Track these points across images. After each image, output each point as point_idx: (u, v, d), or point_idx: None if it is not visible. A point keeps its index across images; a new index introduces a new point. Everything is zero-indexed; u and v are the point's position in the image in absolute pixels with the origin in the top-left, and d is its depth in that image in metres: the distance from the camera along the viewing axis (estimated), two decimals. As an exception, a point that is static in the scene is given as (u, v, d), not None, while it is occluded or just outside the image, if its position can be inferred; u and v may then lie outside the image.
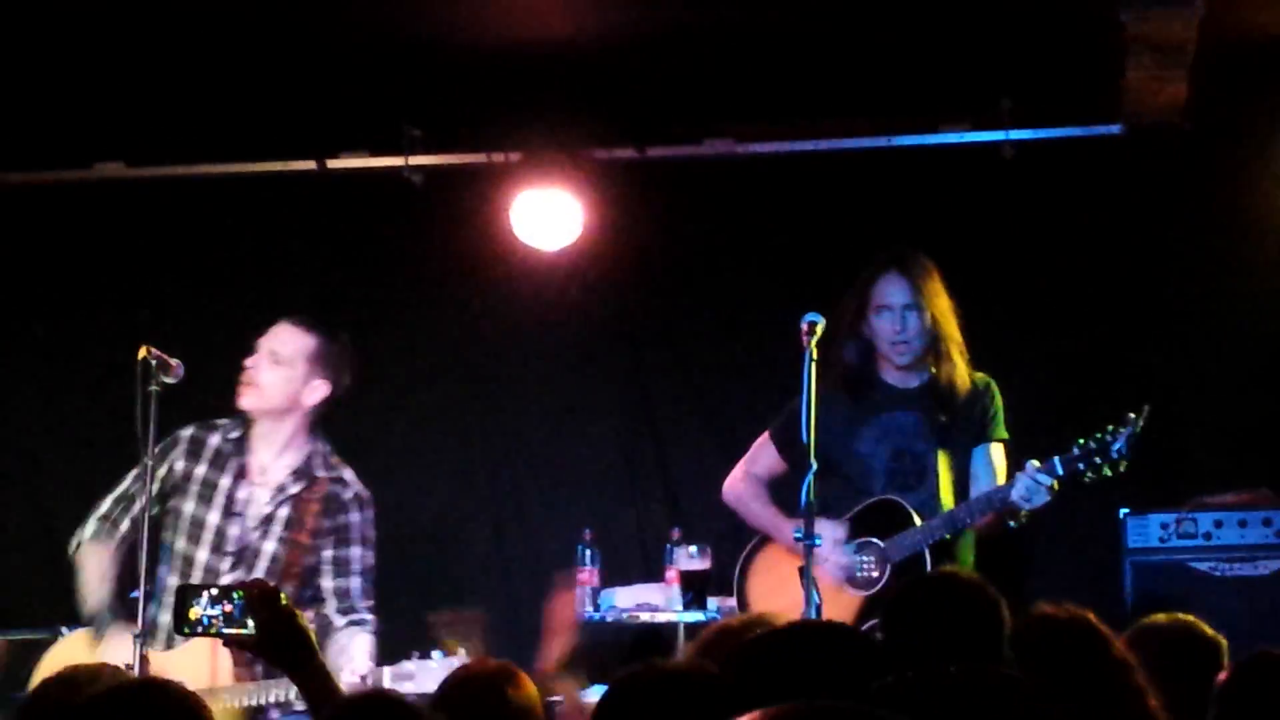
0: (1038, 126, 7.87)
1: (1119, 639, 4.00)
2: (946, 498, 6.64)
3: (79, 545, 6.46)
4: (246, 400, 6.38)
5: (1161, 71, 7.17)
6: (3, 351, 8.67)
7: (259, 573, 6.25)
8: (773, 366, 7.19)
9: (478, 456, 8.52)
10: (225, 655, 6.03)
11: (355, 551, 6.39)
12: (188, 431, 6.50)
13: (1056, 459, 6.32)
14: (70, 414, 8.24)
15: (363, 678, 5.98)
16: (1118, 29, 6.84)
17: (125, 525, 6.42)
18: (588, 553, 7.75)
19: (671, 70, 7.73)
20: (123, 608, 6.35)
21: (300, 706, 6.16)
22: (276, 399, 6.39)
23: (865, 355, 6.77)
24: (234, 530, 6.31)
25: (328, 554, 6.35)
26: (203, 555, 6.24)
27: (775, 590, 6.44)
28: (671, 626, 7.54)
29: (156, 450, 6.37)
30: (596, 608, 7.60)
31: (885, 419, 6.70)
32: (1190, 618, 4.60)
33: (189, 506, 6.36)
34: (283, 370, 6.37)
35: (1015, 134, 7.85)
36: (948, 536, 6.50)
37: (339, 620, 6.29)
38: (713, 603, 7.47)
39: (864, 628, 5.74)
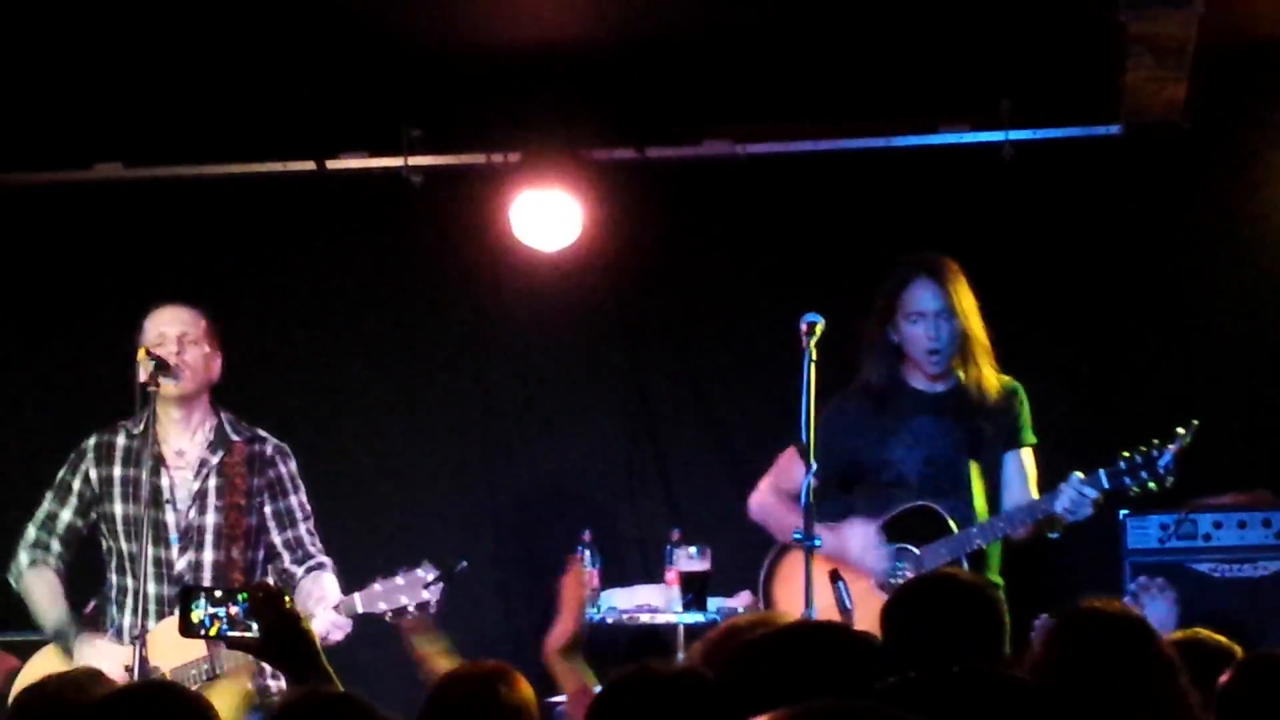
0: (1037, 127, 7.87)
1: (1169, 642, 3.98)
2: (979, 504, 6.59)
3: (20, 575, 6.50)
4: (180, 386, 6.34)
5: (1161, 72, 7.16)
6: (1, 352, 8.67)
7: (207, 548, 6.34)
8: (772, 367, 7.19)
9: (477, 457, 8.52)
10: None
11: (293, 500, 6.49)
12: (91, 440, 6.56)
13: (1102, 472, 6.25)
14: (68, 414, 8.22)
15: (335, 608, 6.05)
16: (1117, 29, 6.83)
17: (56, 545, 6.47)
18: (587, 553, 7.76)
19: (671, 71, 7.73)
20: (82, 620, 6.39)
21: None
22: (201, 378, 6.41)
23: (893, 362, 6.69)
24: (170, 518, 6.35)
25: (268, 509, 6.44)
26: (149, 550, 6.26)
27: (801, 596, 6.33)
28: (671, 628, 7.54)
29: (65, 466, 6.54)
30: (596, 609, 7.60)
31: (916, 426, 6.62)
32: (1202, 630, 4.57)
33: (119, 508, 6.40)
34: (198, 348, 6.38)
35: (1015, 134, 7.86)
36: (984, 546, 6.45)
37: (298, 570, 6.40)
38: (713, 603, 7.47)
39: None
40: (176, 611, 5.95)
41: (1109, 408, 6.86)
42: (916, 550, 6.47)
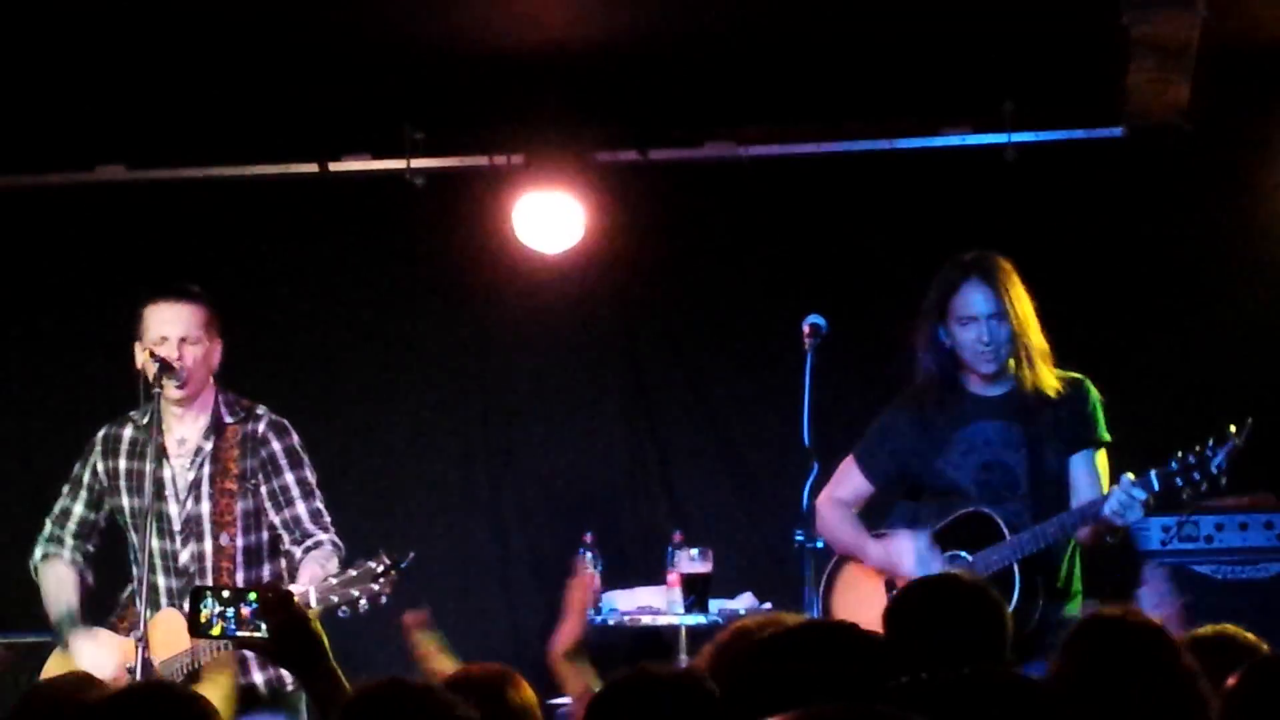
0: (1040, 129, 7.88)
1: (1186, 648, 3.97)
2: (1043, 508, 6.34)
3: (34, 569, 6.50)
4: (182, 391, 6.33)
5: (1163, 74, 7.16)
6: (4, 353, 8.67)
7: (207, 537, 6.28)
8: (774, 369, 7.20)
9: (480, 459, 8.52)
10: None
11: (289, 478, 6.34)
12: (100, 433, 6.51)
13: (1153, 473, 6.04)
14: (71, 416, 8.22)
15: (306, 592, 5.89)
16: (1120, 31, 6.83)
17: (69, 539, 6.46)
18: (589, 555, 7.76)
19: (673, 73, 7.73)
20: (84, 617, 6.37)
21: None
22: (203, 376, 6.38)
23: (947, 366, 6.45)
24: (172, 509, 6.32)
25: (264, 490, 6.32)
26: (156, 543, 6.25)
27: (859, 606, 6.13)
28: (673, 629, 7.55)
29: (79, 460, 6.50)
30: (598, 611, 7.61)
31: (972, 430, 6.39)
32: (1229, 626, 4.56)
33: (126, 501, 6.37)
34: (198, 348, 6.35)
35: (1017, 136, 7.86)
36: (1040, 549, 6.18)
37: (297, 551, 6.27)
38: (714, 605, 7.47)
39: None
40: (185, 610, 6.06)
41: (1110, 409, 6.83)
42: (969, 557, 6.24)
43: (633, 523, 8.30)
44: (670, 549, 7.65)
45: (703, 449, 8.33)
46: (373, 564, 5.78)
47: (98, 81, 7.71)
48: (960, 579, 4.33)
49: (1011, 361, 6.38)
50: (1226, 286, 7.89)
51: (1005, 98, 7.83)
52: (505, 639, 8.16)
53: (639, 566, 8.00)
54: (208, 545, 6.28)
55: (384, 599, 5.77)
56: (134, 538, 6.35)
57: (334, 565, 6.17)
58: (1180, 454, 6.05)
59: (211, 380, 6.43)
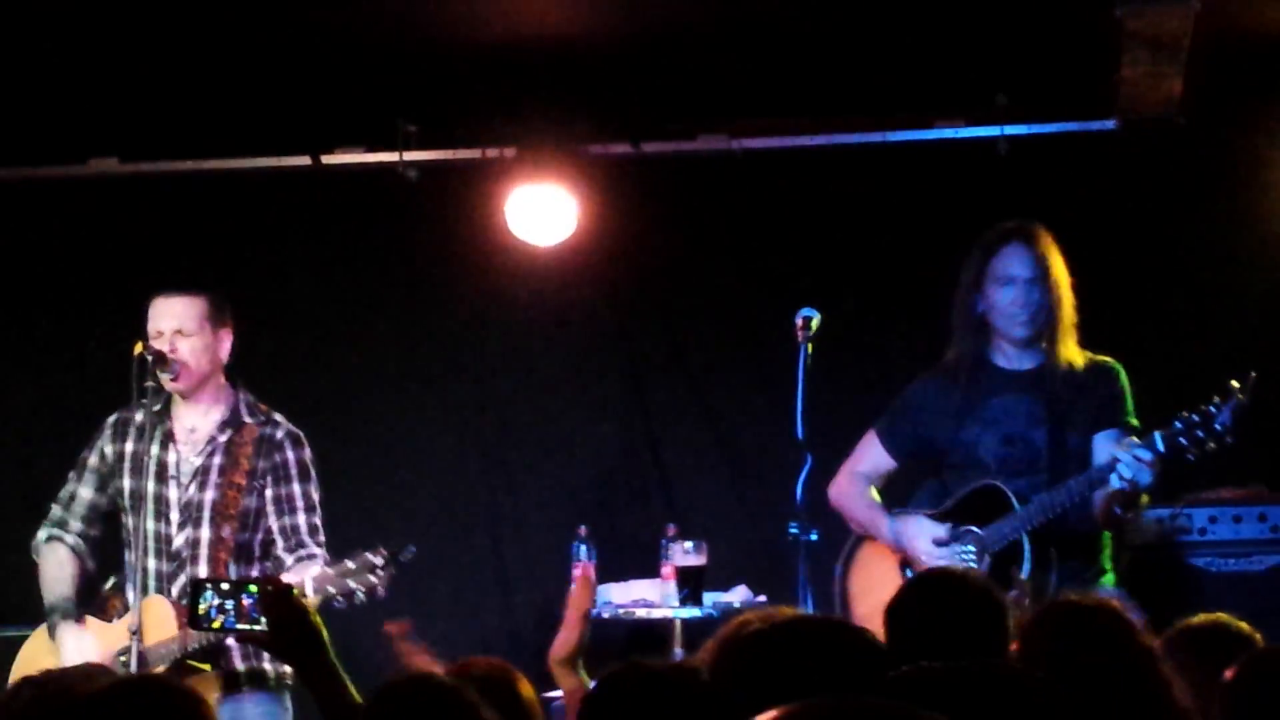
0: (1033, 122, 7.88)
1: (1143, 629, 3.99)
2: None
3: (36, 549, 6.51)
4: (179, 384, 6.35)
5: (1157, 67, 7.17)
6: (-2, 348, 8.68)
7: (204, 524, 6.29)
8: (768, 361, 7.20)
9: (473, 452, 8.52)
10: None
11: (296, 488, 6.37)
12: (112, 416, 6.53)
13: (1157, 434, 5.98)
14: (65, 410, 8.21)
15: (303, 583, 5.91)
16: (1113, 24, 6.83)
17: (75, 523, 6.47)
18: (584, 548, 7.76)
19: (666, 66, 7.73)
20: (79, 603, 6.37)
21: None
22: (204, 367, 6.39)
23: (978, 338, 6.42)
24: (173, 493, 6.33)
25: (269, 494, 6.34)
26: (150, 525, 6.25)
27: (875, 586, 6.13)
28: (667, 623, 7.55)
29: (88, 445, 6.51)
30: (593, 604, 7.60)
31: (996, 404, 6.34)
32: (1223, 615, 4.57)
33: (127, 483, 6.37)
34: (195, 340, 6.36)
35: (1010, 129, 7.86)
36: (1049, 519, 6.09)
37: (288, 559, 6.28)
38: (709, 598, 7.47)
39: None
40: (179, 600, 6.07)
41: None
42: (980, 531, 6.20)
43: (627, 516, 8.30)
44: (665, 542, 7.65)
45: (697, 441, 8.33)
46: (370, 556, 5.79)
47: (91, 75, 7.69)
48: (961, 574, 4.33)
49: (1043, 332, 6.33)
50: (1220, 279, 7.89)
51: (998, 90, 7.82)
52: (500, 632, 8.16)
53: (633, 560, 8.00)
54: (205, 532, 6.29)
55: (380, 591, 5.78)
56: (129, 520, 6.36)
57: (317, 573, 6.17)
58: (1185, 414, 5.99)
59: (224, 375, 6.45)
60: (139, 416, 6.43)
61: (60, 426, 8.40)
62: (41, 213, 8.54)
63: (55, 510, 6.52)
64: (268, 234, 8.55)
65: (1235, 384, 6.00)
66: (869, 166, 8.13)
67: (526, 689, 4.04)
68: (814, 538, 6.01)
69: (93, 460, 6.49)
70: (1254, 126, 7.80)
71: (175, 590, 6.20)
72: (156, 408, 6.34)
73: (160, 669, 5.95)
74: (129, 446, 6.42)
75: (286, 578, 5.89)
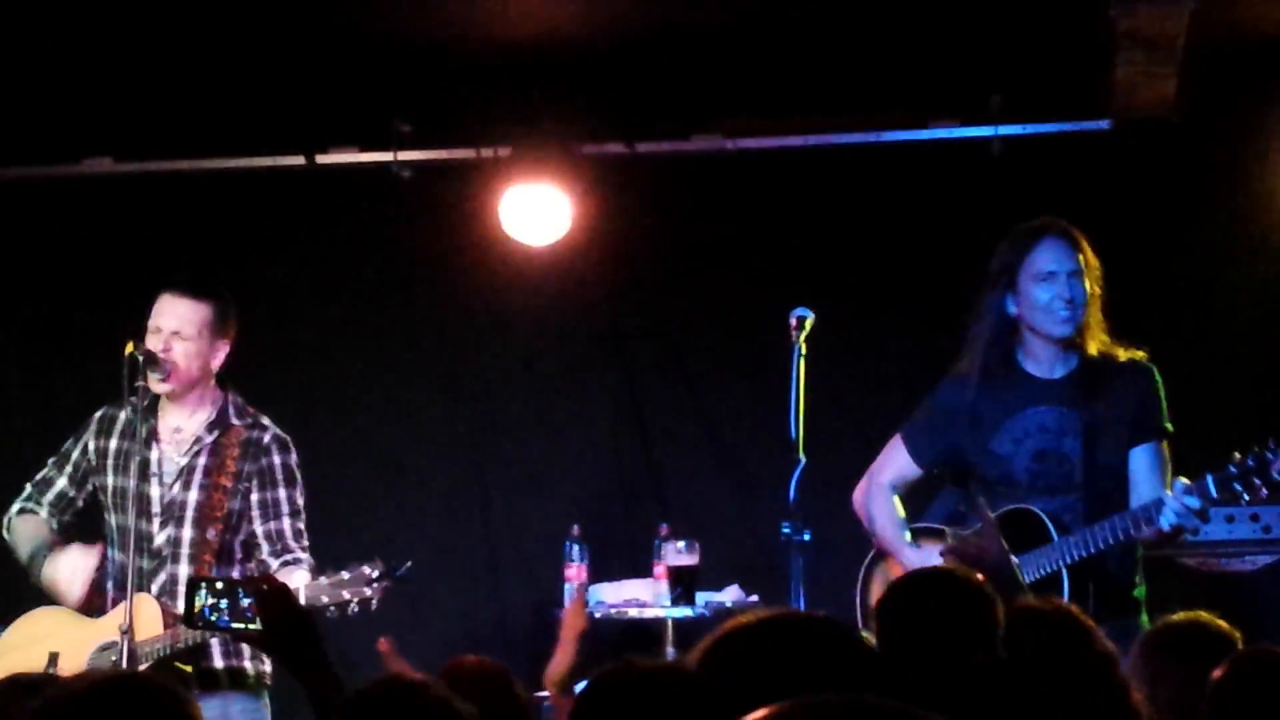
0: (1027, 122, 7.88)
1: (1102, 633, 3.99)
2: (1098, 503, 5.99)
3: (9, 525, 6.52)
4: (166, 385, 6.33)
5: (1150, 67, 7.18)
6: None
7: (187, 524, 6.28)
8: (761, 362, 7.19)
9: (466, 452, 8.52)
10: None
11: (281, 493, 6.35)
12: (98, 413, 6.53)
13: (1210, 479, 5.68)
14: (58, 409, 8.21)
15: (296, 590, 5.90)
16: (1107, 24, 6.85)
17: (45, 509, 6.48)
18: (576, 548, 7.77)
19: (660, 65, 7.73)
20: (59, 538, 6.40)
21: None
22: (193, 373, 6.37)
23: (1008, 341, 6.10)
24: (155, 491, 6.32)
25: (254, 497, 6.32)
26: (132, 522, 6.24)
27: None
28: (660, 622, 7.55)
29: (72, 436, 6.52)
30: (585, 604, 7.60)
31: (1029, 414, 6.04)
32: (1204, 613, 4.58)
33: (110, 480, 6.38)
34: (189, 345, 6.34)
35: (1004, 130, 7.87)
36: (1089, 555, 5.79)
37: (273, 563, 6.25)
38: (701, 598, 7.47)
39: None
40: (166, 600, 6.07)
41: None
42: (1015, 559, 5.73)
43: (620, 515, 8.30)
44: (657, 541, 7.65)
45: (690, 441, 8.33)
46: (367, 569, 5.77)
47: (85, 74, 7.70)
48: (952, 572, 4.33)
49: (1080, 330, 6.07)
50: (1214, 279, 7.89)
51: (992, 91, 7.83)
52: (493, 632, 8.16)
53: (626, 559, 8.00)
54: (186, 532, 6.28)
55: (374, 604, 5.77)
56: (112, 518, 6.36)
57: (303, 580, 6.14)
58: (1239, 457, 5.72)
59: (213, 380, 6.43)
60: (124, 413, 6.42)
61: (54, 426, 8.38)
62: (35, 212, 8.53)
63: (29, 489, 6.55)
64: (262, 233, 8.54)
65: None
66: (863, 166, 8.13)
67: (521, 688, 4.03)
68: (807, 538, 5.94)
69: (75, 454, 6.50)
70: (1248, 126, 7.80)
71: (155, 588, 6.19)
72: (144, 405, 6.33)
73: (143, 667, 5.94)
74: (113, 443, 6.42)
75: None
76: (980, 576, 4.22)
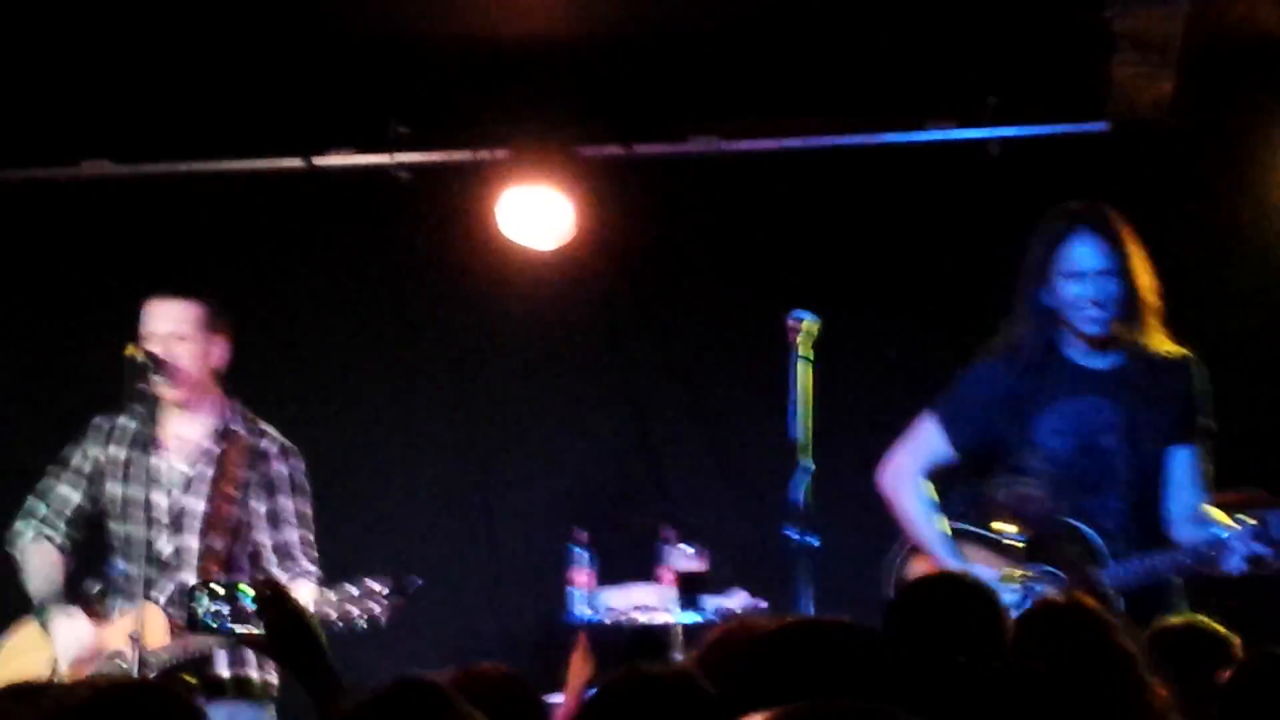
0: (1024, 124, 7.90)
1: (1123, 630, 4.00)
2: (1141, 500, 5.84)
3: (21, 546, 6.49)
4: (171, 390, 6.32)
5: (1147, 68, 7.19)
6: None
7: (192, 533, 6.29)
8: (762, 364, 7.18)
9: (468, 456, 8.51)
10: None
11: (287, 503, 6.37)
12: (97, 420, 6.52)
13: (1273, 520, 5.55)
14: (57, 412, 8.21)
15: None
16: (1104, 26, 6.86)
17: (63, 525, 6.47)
18: (585, 554, 7.75)
19: (657, 67, 7.74)
20: (66, 595, 6.37)
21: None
22: (197, 374, 6.38)
23: (1047, 329, 5.87)
24: (160, 499, 6.31)
25: (260, 508, 6.34)
26: (139, 531, 6.24)
27: None
28: (667, 627, 7.54)
29: (71, 443, 6.52)
30: (593, 609, 7.60)
31: (1072, 405, 5.82)
32: (1201, 616, 4.60)
33: (115, 489, 6.37)
34: (190, 345, 6.34)
35: (1001, 131, 7.88)
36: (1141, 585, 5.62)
37: (281, 576, 6.23)
38: (708, 603, 7.47)
39: None
40: (166, 605, 6.07)
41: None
42: (1064, 578, 5.64)
43: (621, 519, 8.30)
44: (663, 546, 7.65)
45: (693, 444, 8.33)
46: (376, 585, 5.76)
47: (83, 76, 7.69)
48: (959, 577, 4.34)
49: (1121, 326, 5.84)
50: (1210, 280, 7.90)
51: (989, 92, 7.84)
52: (496, 638, 8.15)
53: (633, 564, 8.00)
54: (193, 541, 6.28)
55: (383, 621, 5.76)
56: (116, 527, 6.35)
57: (311, 595, 6.13)
58: None
59: (217, 384, 6.43)
60: (124, 420, 6.41)
61: (51, 428, 8.39)
62: (34, 214, 8.52)
63: (41, 508, 6.49)
64: (260, 236, 8.54)
65: None
66: (860, 168, 8.14)
67: (537, 695, 4.04)
68: (816, 543, 5.87)
69: (76, 461, 6.47)
70: (1244, 128, 7.81)
71: (162, 597, 6.18)
72: (144, 411, 6.32)
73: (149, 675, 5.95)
74: (116, 452, 6.40)
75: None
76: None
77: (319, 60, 7.68)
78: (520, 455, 8.47)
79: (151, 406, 6.29)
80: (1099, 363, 5.91)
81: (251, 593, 4.24)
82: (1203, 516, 5.84)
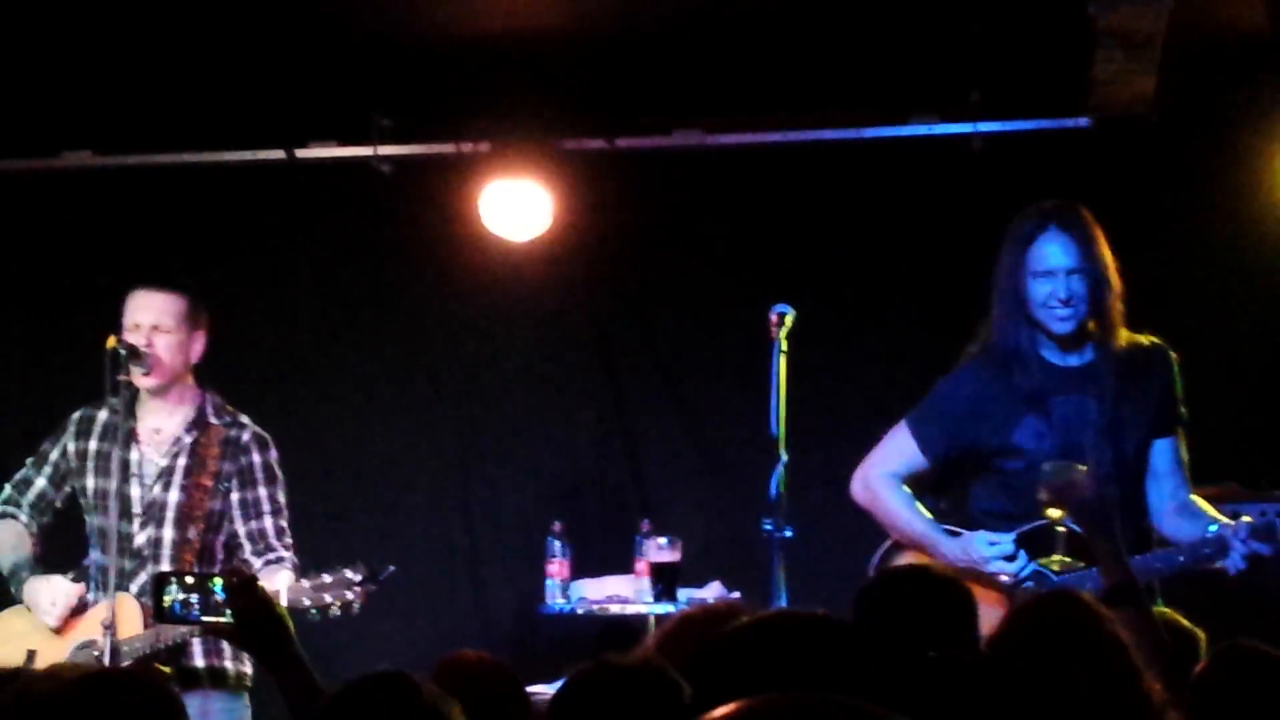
0: (1006, 119, 7.89)
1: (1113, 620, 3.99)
2: (1123, 499, 5.74)
3: None
4: (150, 380, 6.33)
5: (1130, 64, 7.19)
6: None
7: (167, 524, 6.27)
8: (742, 358, 7.19)
9: (447, 448, 8.51)
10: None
11: (262, 492, 6.36)
12: (76, 414, 6.52)
13: (1278, 519, 5.50)
14: (39, 404, 8.20)
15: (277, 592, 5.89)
16: (1086, 21, 6.85)
17: (26, 509, 6.48)
18: (558, 544, 7.76)
19: (640, 61, 7.75)
20: (40, 565, 6.38)
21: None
22: (177, 367, 6.38)
23: (1024, 326, 5.86)
24: (135, 492, 6.31)
25: (235, 497, 6.33)
26: (113, 523, 6.23)
27: None
28: (641, 619, 7.55)
29: (49, 436, 6.52)
30: (566, 599, 7.62)
31: (1052, 405, 5.82)
32: (1168, 610, 4.61)
33: (90, 482, 6.37)
34: (171, 337, 6.34)
35: (984, 126, 7.88)
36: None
37: (256, 562, 6.25)
38: (683, 594, 7.47)
39: None
40: (144, 595, 6.06)
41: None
42: (1054, 578, 5.64)
43: (601, 511, 8.30)
44: (639, 538, 7.66)
45: (672, 437, 8.33)
46: (349, 572, 5.76)
47: (64, 67, 7.68)
48: (929, 568, 4.34)
49: (1094, 325, 5.85)
50: (1192, 276, 7.91)
51: (972, 87, 7.84)
52: (475, 627, 8.16)
53: (607, 555, 8.00)
54: (167, 533, 6.27)
55: (356, 608, 5.76)
56: (92, 520, 6.36)
57: (287, 580, 6.10)
58: None
59: (191, 376, 6.43)
60: (103, 414, 6.43)
61: (32, 421, 8.37)
62: (13, 205, 8.51)
63: (8, 490, 6.53)
64: (241, 228, 8.53)
65: None
66: (843, 162, 8.14)
67: (520, 683, 4.03)
68: (789, 534, 5.88)
69: (54, 455, 6.49)
70: (1227, 123, 7.81)
71: (135, 588, 6.19)
72: (119, 405, 6.32)
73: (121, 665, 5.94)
74: (93, 445, 6.41)
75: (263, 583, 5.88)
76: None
77: (301, 53, 7.67)
78: (500, 446, 8.47)
79: (130, 398, 6.29)
80: (1073, 360, 5.90)
81: (219, 582, 4.24)
82: (1193, 509, 5.87)
